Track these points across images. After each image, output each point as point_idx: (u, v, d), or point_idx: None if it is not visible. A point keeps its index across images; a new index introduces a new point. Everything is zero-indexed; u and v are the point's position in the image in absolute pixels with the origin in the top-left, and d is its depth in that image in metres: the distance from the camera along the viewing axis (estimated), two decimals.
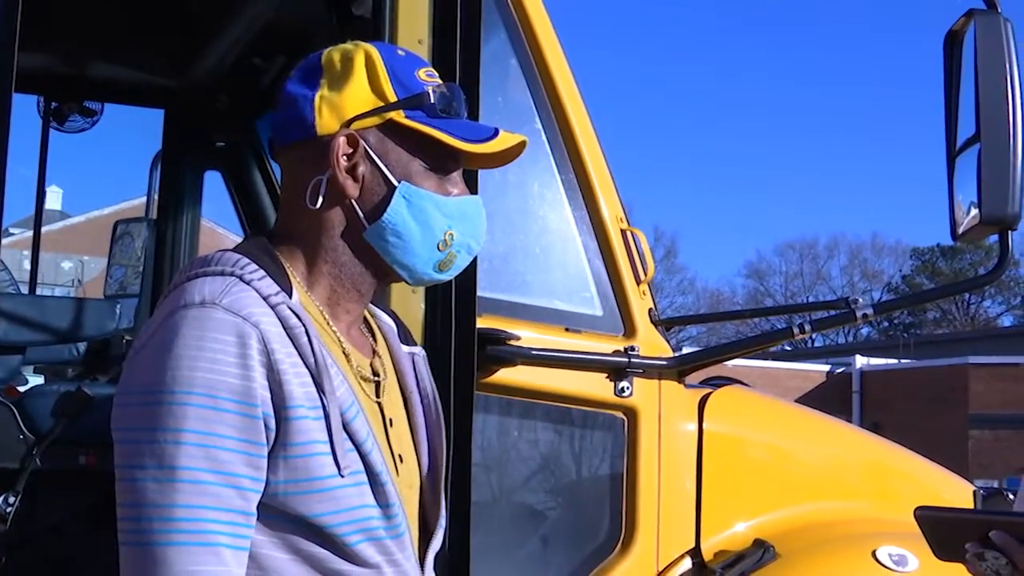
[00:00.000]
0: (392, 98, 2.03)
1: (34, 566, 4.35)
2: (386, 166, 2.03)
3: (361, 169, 2.02)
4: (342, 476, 1.92)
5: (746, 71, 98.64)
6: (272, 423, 1.88)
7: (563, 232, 3.64)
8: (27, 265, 6.80)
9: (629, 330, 3.60)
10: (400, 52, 2.14)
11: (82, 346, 5.43)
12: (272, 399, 1.88)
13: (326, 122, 2.02)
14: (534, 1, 3.61)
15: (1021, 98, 3.48)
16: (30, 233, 6.59)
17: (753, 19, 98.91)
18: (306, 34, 4.37)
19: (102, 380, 5.11)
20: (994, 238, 3.61)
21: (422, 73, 2.08)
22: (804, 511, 3.82)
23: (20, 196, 5.89)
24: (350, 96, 2.03)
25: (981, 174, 3.43)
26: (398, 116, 2.02)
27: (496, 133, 2.09)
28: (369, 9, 3.45)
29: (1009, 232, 3.52)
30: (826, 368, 41.18)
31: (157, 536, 1.82)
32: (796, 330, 3.99)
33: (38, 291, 6.76)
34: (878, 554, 3.65)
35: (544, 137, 3.59)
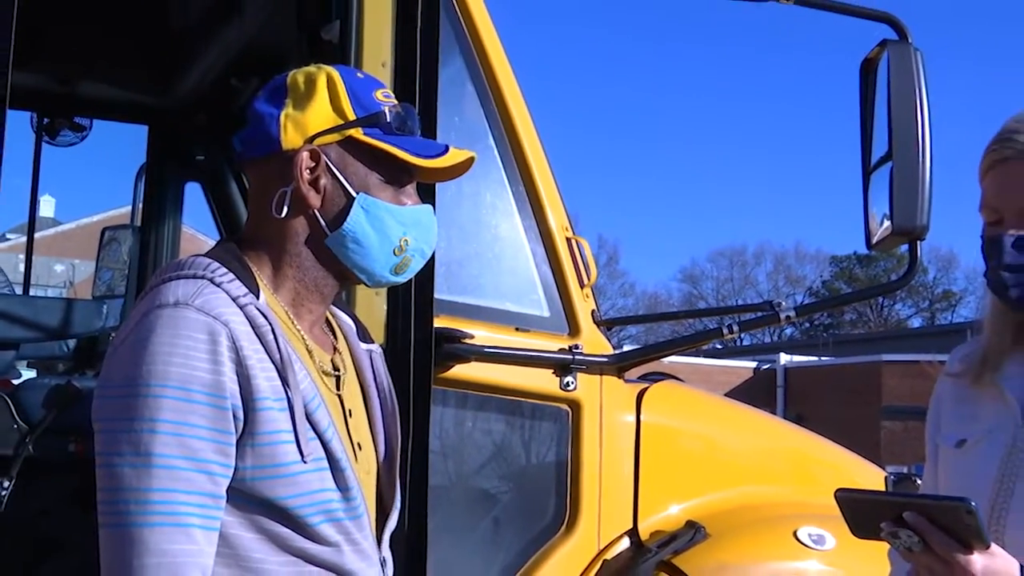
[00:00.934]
0: (351, 116, 2.03)
1: (26, 546, 4.31)
2: (346, 179, 2.03)
3: (323, 181, 2.03)
4: (305, 462, 1.92)
5: (682, 93, 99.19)
6: (240, 414, 1.88)
7: (514, 240, 3.63)
8: (22, 268, 6.73)
9: (573, 330, 3.60)
10: (359, 74, 2.15)
11: (72, 343, 5.40)
12: (240, 392, 1.87)
13: (290, 138, 2.02)
14: (488, 29, 3.61)
15: (929, 121, 3.50)
16: (24, 238, 6.55)
17: (686, 43, 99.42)
18: (279, 57, 4.33)
19: (90, 374, 5.07)
20: (905, 247, 3.63)
21: (379, 94, 2.08)
22: (732, 495, 3.83)
23: (15, 204, 5.87)
24: (313, 114, 2.03)
25: (893, 189, 3.45)
26: (357, 133, 2.03)
27: (447, 149, 2.11)
28: (337, 35, 3.44)
29: (918, 242, 3.54)
30: (753, 365, 41.46)
31: (134, 518, 1.81)
32: (726, 330, 4.01)
33: (32, 292, 6.69)
34: (799, 534, 3.67)
35: (496, 153, 3.59)
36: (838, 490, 2.08)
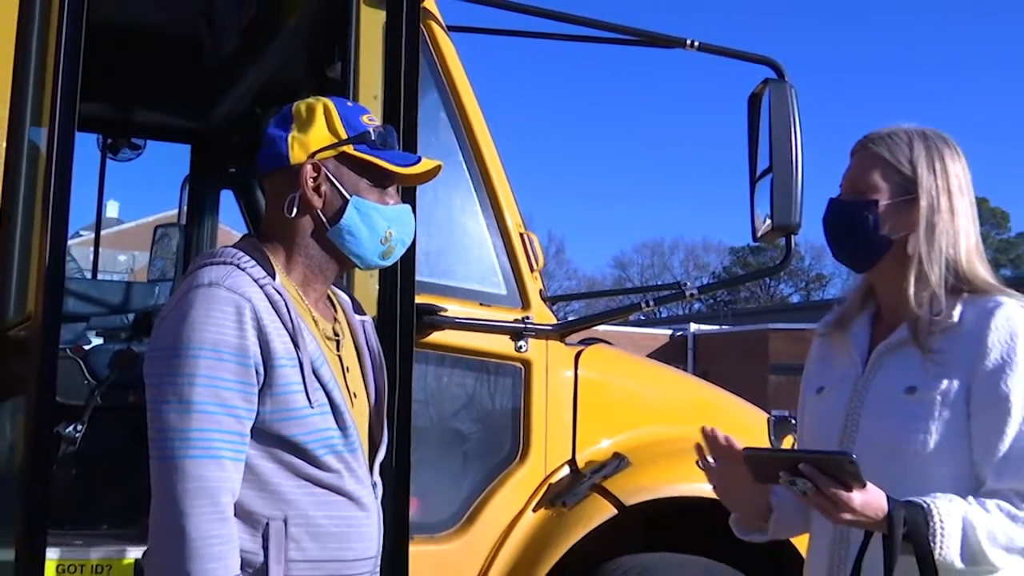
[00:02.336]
0: (344, 136, 2.03)
1: (95, 475, 4.30)
2: (341, 185, 2.03)
3: (323, 188, 2.03)
4: (312, 407, 1.93)
5: (619, 111, 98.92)
6: (261, 370, 1.88)
7: (478, 235, 3.64)
8: (91, 257, 6.67)
9: (525, 304, 3.61)
10: (349, 103, 2.14)
11: (131, 316, 5.36)
12: (261, 353, 1.88)
13: (296, 155, 2.02)
14: (457, 68, 3.61)
15: (801, 142, 3.53)
16: (93, 234, 6.50)
17: (613, 65, 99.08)
18: (293, 91, 4.30)
19: (146, 341, 5.04)
20: (783, 240, 3.66)
21: (365, 118, 2.08)
22: (649, 432, 3.84)
23: (86, 208, 5.82)
24: (313, 135, 2.03)
25: (773, 195, 3.49)
26: (348, 149, 2.03)
27: (419, 160, 2.11)
28: (339, 73, 3.44)
29: (792, 236, 3.57)
30: (669, 332, 41.44)
31: (177, 452, 1.82)
32: (644, 305, 4.03)
33: (99, 276, 6.64)
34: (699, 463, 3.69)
35: (464, 166, 3.60)
36: (745, 449, 2.07)
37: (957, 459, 2.05)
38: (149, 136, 5.72)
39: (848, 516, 1.95)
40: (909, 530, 1.95)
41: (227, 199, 5.80)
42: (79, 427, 4.37)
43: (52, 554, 3.24)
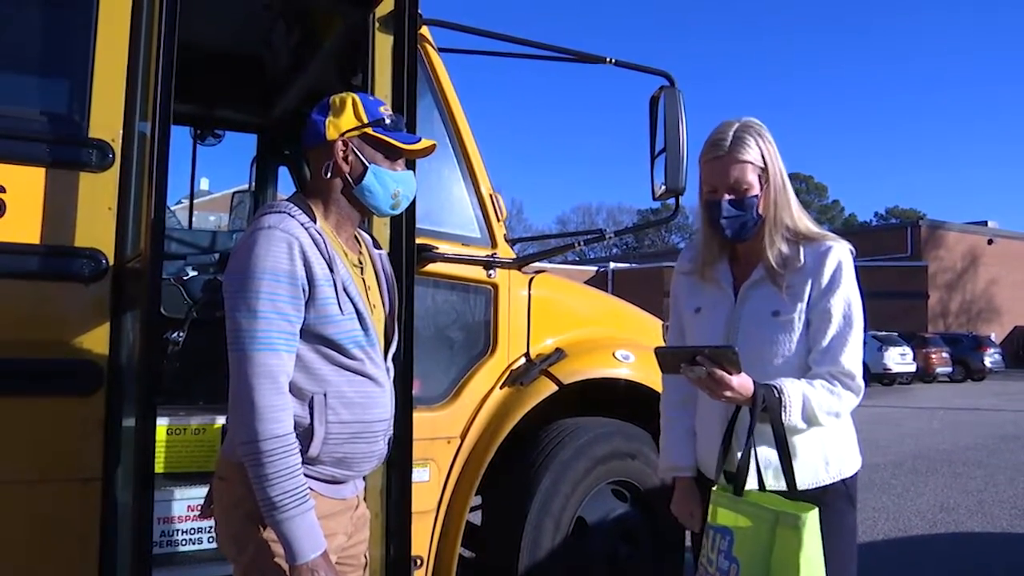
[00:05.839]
0: (366, 121, 1.99)
1: (192, 367, 4.27)
2: (363, 156, 1.99)
3: (350, 158, 1.99)
4: (343, 314, 1.91)
5: (560, 108, 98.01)
6: (306, 288, 1.86)
7: (461, 196, 3.59)
8: (188, 217, 6.54)
9: (494, 244, 3.58)
10: (371, 97, 2.09)
11: (216, 256, 5.30)
12: (306, 276, 1.85)
13: (331, 134, 1.98)
14: (445, 77, 3.54)
15: (686, 127, 3.51)
16: (189, 201, 6.37)
17: (558, 76, 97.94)
18: (329, 94, 4.24)
19: None
20: (672, 200, 3.65)
21: (382, 108, 2.04)
22: (579, 333, 3.86)
23: (185, 182, 5.66)
24: (344, 120, 1.99)
25: (666, 167, 3.48)
26: (369, 130, 1.99)
27: (420, 139, 2.07)
28: (361, 82, 3.36)
29: (679, 196, 3.56)
30: (595, 268, 41.66)
31: (246, 346, 1.80)
32: (576, 245, 4.02)
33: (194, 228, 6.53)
34: (616, 354, 3.72)
35: (451, 148, 3.54)
36: (656, 348, 2.01)
37: (802, 358, 2.08)
38: (227, 128, 5.58)
39: (728, 393, 1.95)
40: (767, 404, 1.97)
41: (284, 174, 5.70)
42: (180, 333, 4.32)
43: (162, 421, 3.23)
